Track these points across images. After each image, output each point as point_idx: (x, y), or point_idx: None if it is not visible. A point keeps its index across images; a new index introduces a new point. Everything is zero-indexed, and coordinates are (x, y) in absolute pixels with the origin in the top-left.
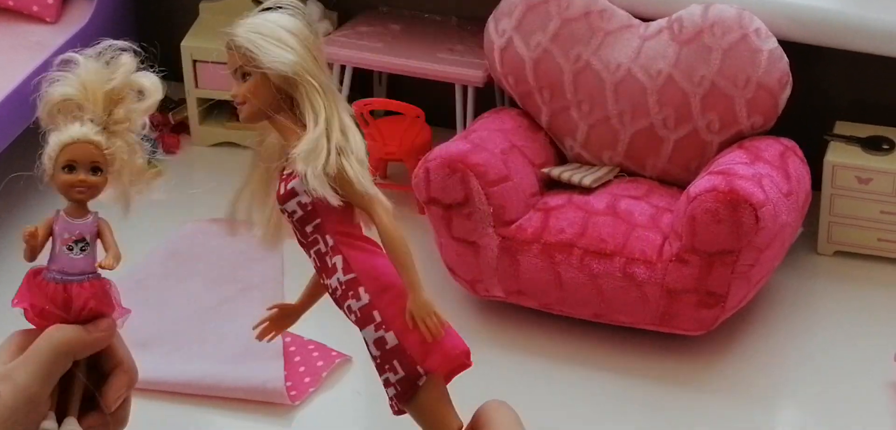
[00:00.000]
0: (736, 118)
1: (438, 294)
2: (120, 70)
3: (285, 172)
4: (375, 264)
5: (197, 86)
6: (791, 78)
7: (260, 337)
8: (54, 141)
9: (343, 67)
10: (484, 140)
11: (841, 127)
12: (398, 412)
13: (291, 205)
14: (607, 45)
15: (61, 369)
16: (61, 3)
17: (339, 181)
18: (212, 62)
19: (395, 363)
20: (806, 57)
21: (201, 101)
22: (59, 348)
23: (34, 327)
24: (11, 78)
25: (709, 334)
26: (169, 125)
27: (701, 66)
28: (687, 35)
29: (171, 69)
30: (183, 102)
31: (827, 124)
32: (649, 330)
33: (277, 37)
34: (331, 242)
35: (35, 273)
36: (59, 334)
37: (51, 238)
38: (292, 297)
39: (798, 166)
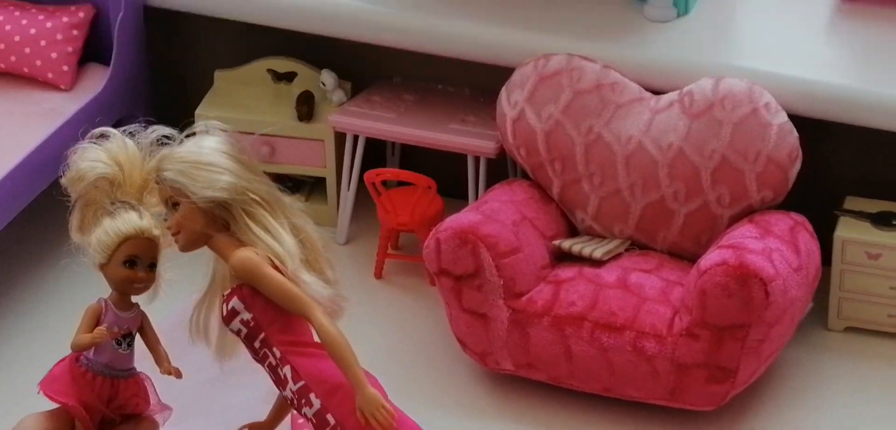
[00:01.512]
0: (746, 192)
1: (448, 367)
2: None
3: (225, 293)
4: (322, 368)
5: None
6: (801, 152)
7: None
8: (112, 230)
9: (356, 137)
10: (495, 211)
11: (851, 202)
12: None
13: (235, 324)
14: (619, 117)
15: None
16: (76, 70)
17: (270, 289)
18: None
19: None
20: (816, 132)
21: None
22: None
23: (56, 406)
24: (25, 145)
25: (720, 410)
26: None
27: (711, 139)
28: (697, 108)
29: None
30: None
31: (837, 199)
32: (660, 405)
33: (209, 162)
34: (278, 354)
35: (74, 361)
36: None
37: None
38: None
39: (808, 241)
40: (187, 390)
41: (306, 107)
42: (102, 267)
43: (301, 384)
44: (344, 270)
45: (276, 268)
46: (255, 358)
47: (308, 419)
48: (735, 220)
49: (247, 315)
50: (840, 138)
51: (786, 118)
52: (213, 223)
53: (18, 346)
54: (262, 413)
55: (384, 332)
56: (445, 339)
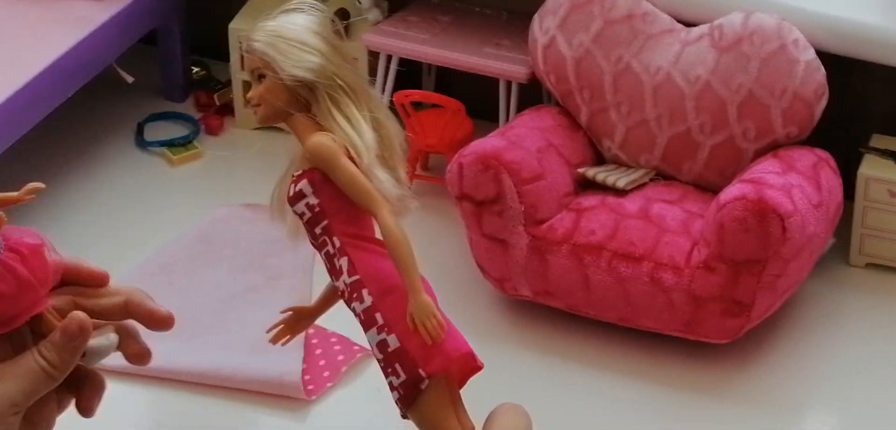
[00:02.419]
0: (771, 127)
1: (468, 291)
2: None
3: (295, 174)
4: (380, 266)
5: (242, 68)
6: (827, 89)
7: (274, 341)
8: None
9: (389, 57)
10: (520, 137)
11: (877, 140)
12: (404, 416)
13: (300, 207)
14: (648, 48)
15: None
16: None
17: (341, 178)
18: None
19: (398, 366)
20: (844, 69)
21: (246, 83)
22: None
23: None
24: (52, 51)
25: (735, 343)
26: (214, 107)
27: (739, 73)
28: (726, 42)
29: (219, 49)
30: (229, 83)
31: (863, 137)
32: (675, 337)
33: (301, 40)
34: (338, 243)
35: None
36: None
37: None
38: (321, 289)
39: (830, 178)
40: (204, 305)
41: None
42: None
43: (356, 277)
44: None
45: (350, 158)
46: (313, 243)
47: (356, 314)
48: (760, 154)
49: (313, 200)
50: (869, 76)
51: (813, 55)
52: (296, 102)
53: None
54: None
55: None
56: (467, 262)
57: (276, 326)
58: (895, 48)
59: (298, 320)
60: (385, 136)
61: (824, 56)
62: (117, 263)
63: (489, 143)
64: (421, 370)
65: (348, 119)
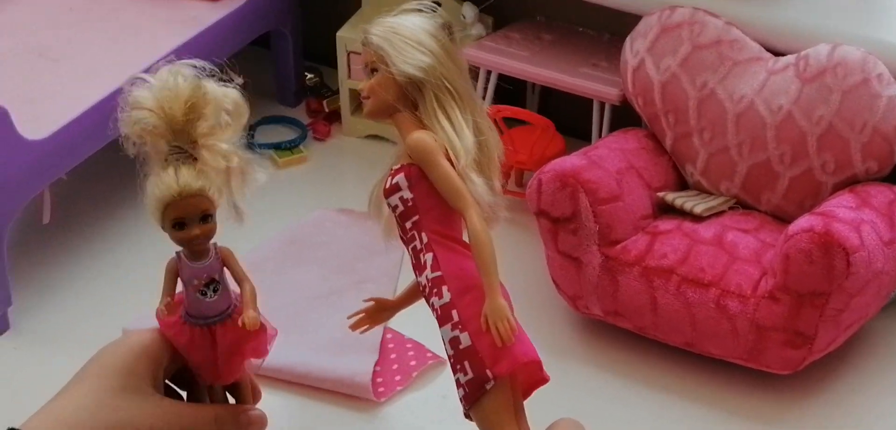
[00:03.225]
0: (851, 161)
1: (543, 306)
2: (192, 84)
3: (394, 167)
4: (463, 265)
5: (350, 77)
6: None
7: (353, 328)
8: (152, 196)
9: (488, 73)
10: (601, 158)
11: None
12: (466, 415)
13: (394, 199)
14: (734, 75)
15: None
16: None
17: (437, 175)
18: None
19: (466, 363)
20: None
21: (354, 92)
22: None
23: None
24: (159, 49)
25: (800, 375)
26: (323, 113)
27: (820, 105)
28: (810, 73)
29: (331, 56)
30: (338, 91)
31: None
32: (739, 365)
33: (416, 39)
34: (425, 239)
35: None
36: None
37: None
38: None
39: None
40: (288, 305)
41: None
42: (162, 228)
43: (438, 274)
44: None
45: (448, 159)
46: (402, 238)
47: (434, 309)
48: (838, 188)
49: (408, 194)
50: None
51: None
52: (404, 99)
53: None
54: (352, 334)
55: None
56: (545, 278)
57: (357, 313)
58: None
59: (379, 311)
60: (484, 144)
61: None
62: None
63: (569, 161)
64: (488, 371)
65: (451, 121)
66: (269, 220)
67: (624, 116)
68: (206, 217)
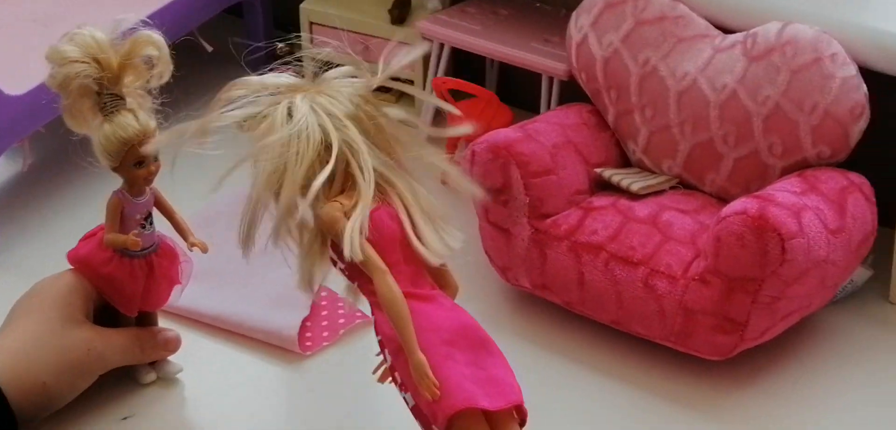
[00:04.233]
0: (800, 144)
1: (477, 276)
2: (129, 38)
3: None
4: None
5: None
6: (868, 110)
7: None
8: (114, 138)
9: (441, 46)
10: (538, 132)
11: None
12: None
13: (336, 269)
14: (677, 52)
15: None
16: None
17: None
18: (329, 27)
19: (418, 421)
20: None
21: None
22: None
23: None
24: (136, 16)
25: (738, 363)
26: None
27: (766, 85)
28: (758, 51)
29: (292, 28)
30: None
31: None
32: (671, 348)
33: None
34: (369, 302)
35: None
36: (105, 346)
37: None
38: None
39: (860, 205)
40: (236, 258)
41: (398, 10)
42: (114, 169)
43: (379, 337)
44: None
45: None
46: None
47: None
48: (789, 171)
49: (341, 265)
50: None
51: (854, 72)
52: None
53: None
54: (289, 289)
55: None
56: (481, 248)
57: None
58: None
59: None
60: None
61: (883, 77)
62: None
63: (503, 134)
64: (432, 426)
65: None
66: (227, 182)
67: (576, 92)
68: (157, 156)
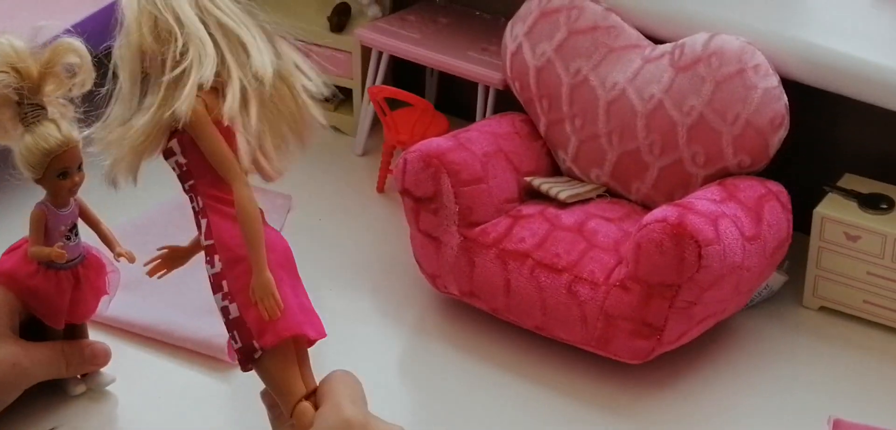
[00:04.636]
0: (722, 154)
1: (407, 283)
2: (49, 47)
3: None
4: (236, 234)
5: None
6: (787, 121)
7: (150, 274)
8: (37, 149)
9: (380, 54)
10: (470, 140)
11: (849, 180)
12: (245, 370)
13: (171, 162)
14: (609, 62)
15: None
16: None
17: (204, 140)
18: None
19: (235, 333)
20: (822, 102)
21: None
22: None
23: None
24: (72, 18)
25: (656, 366)
26: None
27: (691, 95)
28: (685, 62)
29: None
30: None
31: (835, 175)
32: (592, 353)
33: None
34: (201, 203)
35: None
36: (30, 363)
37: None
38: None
39: (776, 213)
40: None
41: (337, 18)
42: (37, 181)
43: (210, 242)
44: (355, 180)
45: (218, 125)
46: (185, 194)
47: (208, 276)
48: (709, 180)
49: (182, 159)
50: (849, 112)
51: (775, 83)
52: None
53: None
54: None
55: (367, 243)
56: (409, 255)
57: (153, 259)
58: (873, 84)
59: (174, 258)
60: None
61: (801, 87)
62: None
63: (436, 142)
64: (255, 342)
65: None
66: (160, 189)
67: (512, 101)
68: (81, 166)
